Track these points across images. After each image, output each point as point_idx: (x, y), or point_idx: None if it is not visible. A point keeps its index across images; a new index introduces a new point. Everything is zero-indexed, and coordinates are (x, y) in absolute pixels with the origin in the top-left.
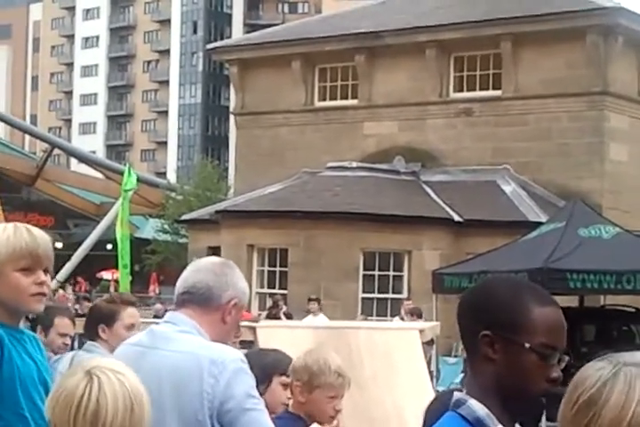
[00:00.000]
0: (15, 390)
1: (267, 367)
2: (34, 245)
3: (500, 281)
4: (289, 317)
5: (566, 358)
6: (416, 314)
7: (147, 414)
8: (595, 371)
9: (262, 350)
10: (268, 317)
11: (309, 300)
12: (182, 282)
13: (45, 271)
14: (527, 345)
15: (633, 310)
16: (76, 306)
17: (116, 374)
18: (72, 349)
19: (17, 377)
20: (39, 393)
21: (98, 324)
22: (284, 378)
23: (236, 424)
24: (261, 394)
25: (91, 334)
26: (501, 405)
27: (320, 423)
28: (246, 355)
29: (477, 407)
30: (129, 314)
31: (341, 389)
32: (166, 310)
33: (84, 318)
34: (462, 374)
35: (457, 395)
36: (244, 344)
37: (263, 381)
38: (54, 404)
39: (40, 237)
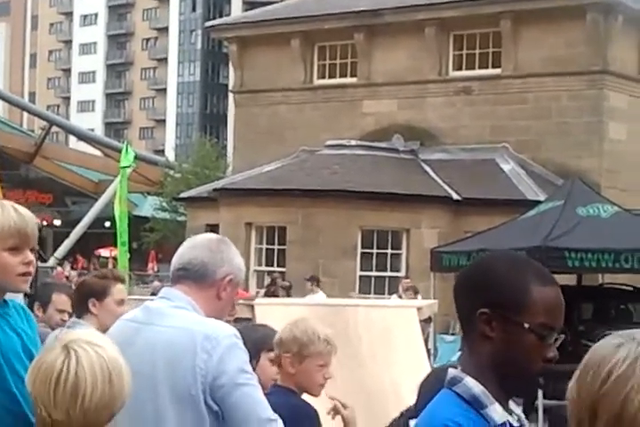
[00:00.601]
0: None
1: (256, 343)
2: (22, 224)
3: (499, 257)
4: (288, 288)
5: (562, 336)
6: (413, 290)
7: (126, 384)
8: (615, 348)
9: (253, 325)
10: (266, 294)
11: (307, 279)
12: (178, 258)
13: (31, 250)
14: (527, 325)
15: (631, 288)
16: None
17: (93, 346)
18: None
19: None
20: (24, 366)
21: (88, 298)
22: (272, 354)
23: (229, 399)
24: (253, 369)
25: (80, 309)
26: (497, 383)
27: (311, 394)
28: (238, 330)
29: (473, 384)
30: (119, 289)
31: (329, 356)
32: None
33: None
34: (459, 352)
35: (452, 372)
36: (242, 321)
37: (254, 356)
38: (34, 378)
39: (27, 216)
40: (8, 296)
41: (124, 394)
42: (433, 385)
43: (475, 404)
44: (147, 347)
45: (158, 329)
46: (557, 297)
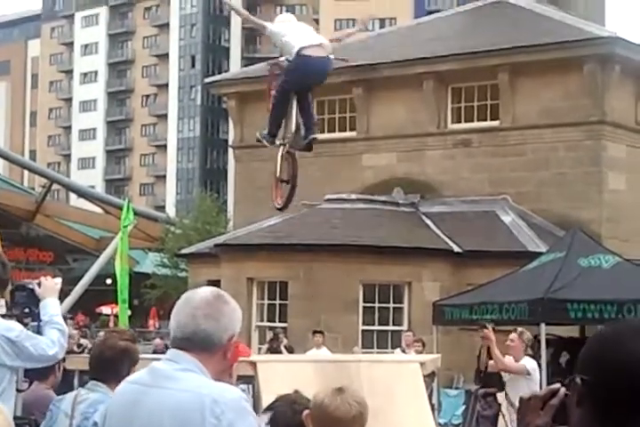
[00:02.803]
0: None
1: None
2: None
3: None
4: (290, 350)
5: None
6: (421, 342)
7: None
8: None
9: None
10: (269, 350)
11: (314, 332)
12: (180, 327)
13: None
14: None
15: None
16: (82, 341)
17: None
18: (71, 386)
19: None
20: None
21: (131, 365)
22: None
23: None
24: None
25: (110, 373)
26: None
27: None
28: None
29: None
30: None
31: None
32: (166, 345)
33: (72, 355)
34: (464, 406)
35: None
36: (244, 379)
37: None
38: None
39: None
40: None
41: None
42: None
43: None
44: (155, 410)
45: (165, 392)
46: None
